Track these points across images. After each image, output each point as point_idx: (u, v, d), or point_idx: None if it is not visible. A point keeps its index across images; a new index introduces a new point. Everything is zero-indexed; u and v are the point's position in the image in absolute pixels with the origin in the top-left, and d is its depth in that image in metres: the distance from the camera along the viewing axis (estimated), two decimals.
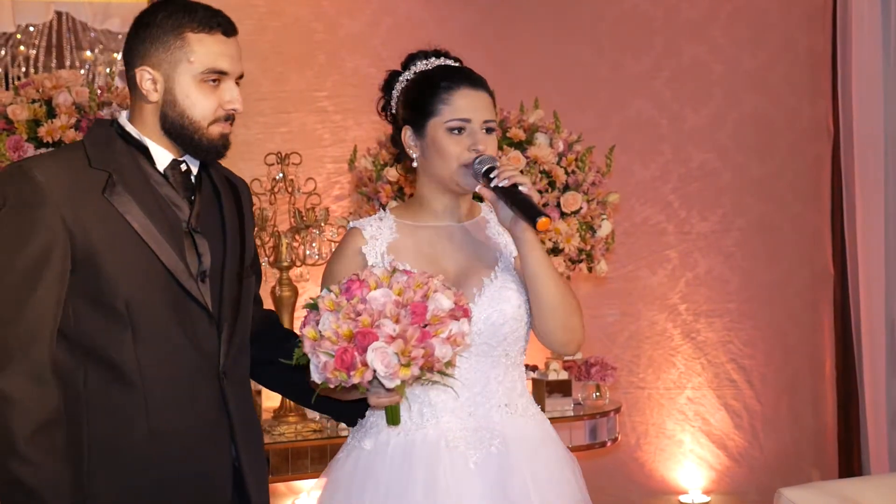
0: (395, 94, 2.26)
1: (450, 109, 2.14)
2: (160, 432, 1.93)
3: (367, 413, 2.20)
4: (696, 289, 4.72)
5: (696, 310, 4.72)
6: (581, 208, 3.50)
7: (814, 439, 4.78)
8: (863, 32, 4.47)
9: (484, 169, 2.09)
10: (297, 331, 2.05)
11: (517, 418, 2.16)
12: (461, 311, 1.87)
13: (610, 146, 3.75)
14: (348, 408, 2.22)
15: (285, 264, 3.50)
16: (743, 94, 4.77)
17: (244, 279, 2.11)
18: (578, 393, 3.81)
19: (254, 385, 2.25)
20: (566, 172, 3.50)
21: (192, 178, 2.07)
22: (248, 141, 4.03)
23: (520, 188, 2.05)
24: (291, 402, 3.42)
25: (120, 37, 4.08)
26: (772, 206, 4.78)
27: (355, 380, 1.80)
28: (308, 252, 3.51)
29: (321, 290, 1.96)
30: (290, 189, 3.56)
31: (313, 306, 1.88)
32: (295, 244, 3.51)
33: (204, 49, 1.97)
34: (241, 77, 2.05)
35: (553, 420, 3.55)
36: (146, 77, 2.00)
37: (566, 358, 3.81)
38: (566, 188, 3.50)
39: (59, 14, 4.10)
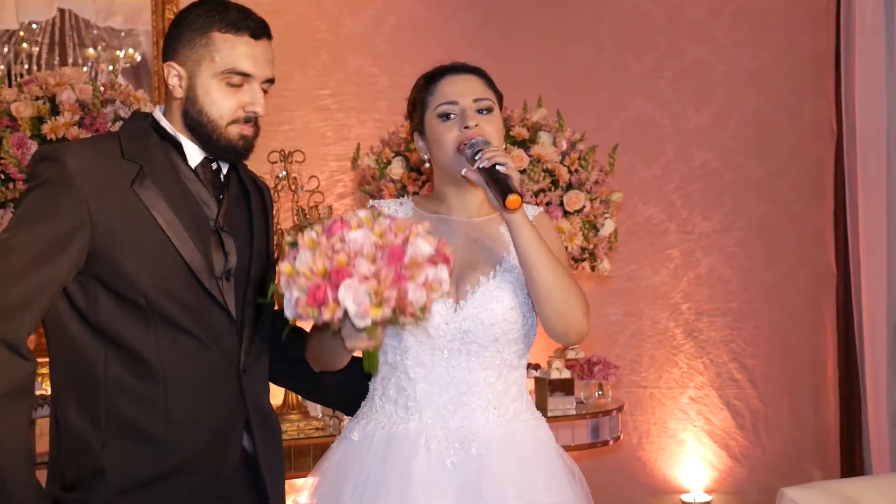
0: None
1: (435, 98, 2.18)
2: (177, 422, 1.94)
3: (361, 404, 2.22)
4: (699, 288, 4.73)
5: (698, 309, 4.72)
6: (584, 207, 3.50)
7: (815, 439, 4.79)
8: (866, 33, 4.47)
9: (473, 152, 2.10)
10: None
11: (505, 423, 2.13)
12: (441, 258, 1.84)
13: (612, 145, 3.75)
14: (355, 402, 2.22)
15: None
16: (745, 94, 4.77)
17: (268, 280, 2.11)
18: (581, 392, 3.81)
19: None
20: (569, 171, 3.49)
21: (222, 176, 2.07)
22: None
23: (497, 167, 2.05)
24: (294, 400, 3.43)
25: (123, 34, 4.08)
26: (774, 205, 4.79)
27: (325, 316, 1.78)
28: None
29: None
30: (293, 187, 3.56)
31: (294, 244, 1.86)
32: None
33: (228, 49, 1.99)
34: (269, 81, 2.04)
35: (555, 419, 3.60)
36: (173, 73, 2.02)
37: (568, 357, 3.81)
38: (569, 187, 3.50)
39: (62, 11, 4.09)
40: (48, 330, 1.98)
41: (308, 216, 3.51)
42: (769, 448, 4.73)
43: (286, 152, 3.59)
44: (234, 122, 2.01)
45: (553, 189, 3.47)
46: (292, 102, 4.23)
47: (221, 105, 1.99)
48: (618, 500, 4.52)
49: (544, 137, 3.49)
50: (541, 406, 3.39)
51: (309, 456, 3.31)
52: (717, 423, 4.70)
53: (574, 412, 3.67)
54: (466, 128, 2.13)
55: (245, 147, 2.04)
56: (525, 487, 2.08)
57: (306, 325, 1.93)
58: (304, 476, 3.47)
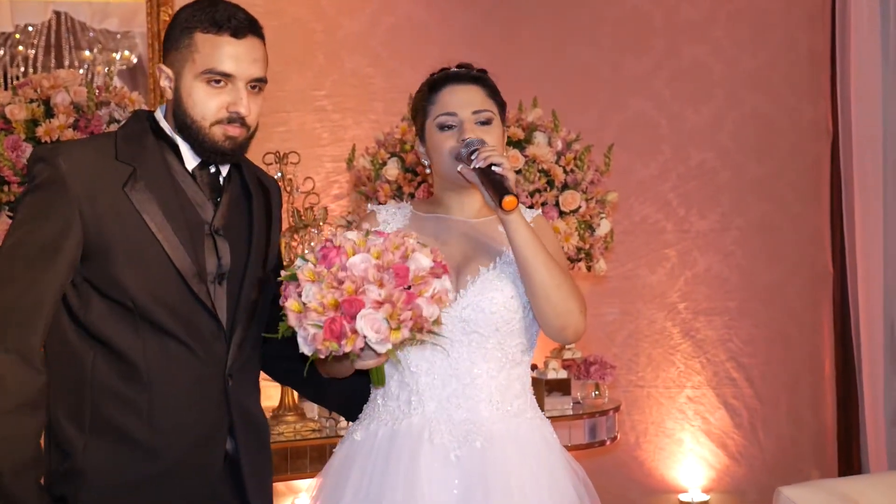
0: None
1: (436, 107, 2.20)
2: (161, 426, 1.94)
3: (364, 406, 2.22)
4: (696, 287, 4.72)
5: (695, 308, 4.72)
6: (580, 207, 3.49)
7: (813, 438, 4.79)
8: (861, 32, 4.47)
9: (468, 151, 2.11)
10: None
11: (509, 418, 2.14)
12: (440, 268, 1.86)
13: (611, 146, 3.75)
14: (357, 405, 2.22)
15: (284, 263, 3.49)
16: (743, 94, 4.76)
17: (265, 283, 2.10)
18: (578, 392, 3.81)
19: None
20: (565, 171, 3.49)
21: (221, 179, 2.06)
22: None
23: (493, 168, 2.06)
24: (290, 402, 3.43)
25: (119, 36, 4.09)
26: (772, 205, 4.79)
27: (347, 348, 1.78)
28: (306, 251, 3.50)
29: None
30: (288, 188, 3.56)
31: (292, 277, 1.85)
32: (293, 243, 3.51)
33: (208, 49, 1.97)
34: (258, 80, 2.01)
35: (552, 419, 3.57)
36: (163, 74, 2.02)
37: (565, 357, 3.81)
38: (565, 187, 3.49)
39: (57, 14, 4.09)
40: None
41: (303, 217, 3.51)
42: (767, 447, 4.73)
43: (281, 153, 3.59)
44: (218, 122, 1.98)
45: (548, 189, 3.47)
46: (288, 103, 4.23)
47: (204, 106, 1.97)
48: (616, 499, 4.52)
49: (539, 138, 3.49)
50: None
51: (305, 458, 3.31)
52: (714, 422, 4.70)
53: (571, 412, 3.67)
54: (464, 139, 2.14)
55: (232, 148, 2.00)
56: (529, 483, 2.08)
57: (323, 363, 1.92)
58: (301, 478, 3.50)
